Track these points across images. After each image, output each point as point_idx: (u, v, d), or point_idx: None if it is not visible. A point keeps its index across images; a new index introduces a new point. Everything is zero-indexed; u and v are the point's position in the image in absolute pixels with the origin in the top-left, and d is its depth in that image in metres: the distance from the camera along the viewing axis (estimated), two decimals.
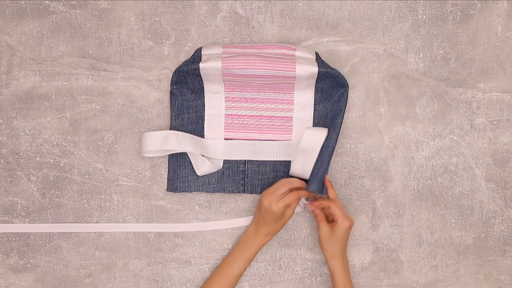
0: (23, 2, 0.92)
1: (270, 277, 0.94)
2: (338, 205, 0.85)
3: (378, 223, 0.93)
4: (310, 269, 0.94)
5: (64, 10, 0.92)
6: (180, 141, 0.88)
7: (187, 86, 0.89)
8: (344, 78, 0.87)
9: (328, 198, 0.88)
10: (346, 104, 0.89)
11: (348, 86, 0.88)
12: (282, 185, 0.84)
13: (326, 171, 0.88)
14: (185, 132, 0.90)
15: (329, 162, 0.88)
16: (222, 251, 0.93)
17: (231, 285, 0.88)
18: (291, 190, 0.85)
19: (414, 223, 0.93)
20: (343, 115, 0.89)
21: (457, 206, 0.94)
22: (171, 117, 0.91)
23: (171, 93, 0.90)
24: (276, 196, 0.83)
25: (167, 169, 0.92)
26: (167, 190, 0.92)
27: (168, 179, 0.92)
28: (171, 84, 0.90)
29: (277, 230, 0.87)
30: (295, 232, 0.93)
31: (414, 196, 0.93)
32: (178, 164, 0.91)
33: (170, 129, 0.91)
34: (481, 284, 0.94)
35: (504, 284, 0.94)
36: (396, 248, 0.94)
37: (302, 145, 0.87)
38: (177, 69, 0.88)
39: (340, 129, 0.89)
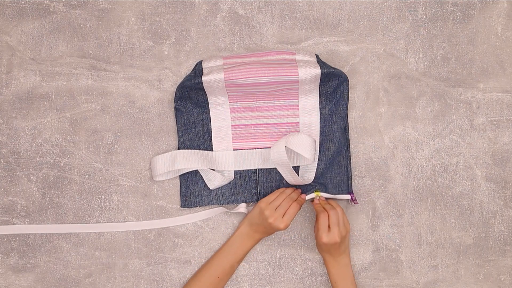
0: (23, 2, 0.92)
1: (270, 277, 0.94)
2: (336, 216, 0.84)
3: (378, 223, 0.93)
4: (310, 269, 0.94)
5: (64, 10, 0.92)
6: (188, 159, 0.89)
7: (191, 101, 0.89)
8: (345, 75, 0.87)
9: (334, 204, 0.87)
10: (348, 97, 0.89)
11: (348, 80, 0.88)
12: (281, 197, 0.86)
13: (347, 167, 0.91)
14: (193, 146, 0.91)
15: (346, 158, 0.91)
16: None
17: (222, 284, 0.88)
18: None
19: (414, 223, 0.93)
20: (347, 106, 0.89)
21: (457, 206, 0.94)
22: (178, 133, 0.91)
23: (176, 109, 0.90)
24: (281, 214, 0.84)
25: (179, 185, 0.92)
26: (181, 207, 0.92)
27: (181, 195, 0.92)
28: (175, 101, 0.89)
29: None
30: (295, 232, 0.94)
31: (414, 196, 0.93)
32: (190, 179, 0.91)
33: (178, 145, 0.91)
34: (481, 284, 0.94)
35: (504, 284, 0.94)
36: (396, 248, 0.94)
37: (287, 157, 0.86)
38: (179, 85, 0.88)
39: (347, 123, 0.90)
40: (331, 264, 0.87)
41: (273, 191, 0.91)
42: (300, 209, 0.88)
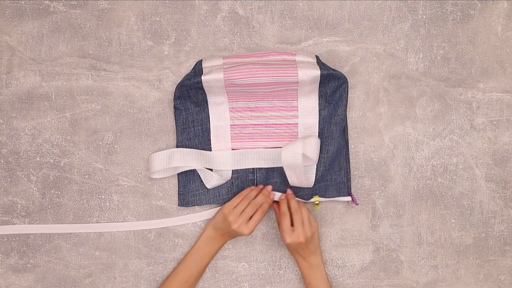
0: (23, 2, 0.92)
1: (270, 277, 0.94)
2: (300, 216, 0.84)
3: (378, 223, 0.93)
4: None
5: (64, 10, 0.92)
6: (185, 158, 0.89)
7: (190, 100, 0.89)
8: (345, 76, 0.87)
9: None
10: (347, 98, 0.89)
11: (347, 82, 0.88)
12: (245, 201, 0.86)
13: (347, 169, 0.91)
14: (192, 145, 0.90)
15: (346, 160, 0.91)
16: (221, 251, 0.93)
17: None
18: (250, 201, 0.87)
19: (414, 223, 0.93)
20: (346, 108, 0.89)
21: (457, 206, 0.94)
22: (176, 131, 0.91)
23: (175, 108, 0.90)
24: (245, 219, 0.84)
25: (177, 184, 0.92)
26: (178, 205, 0.92)
27: (179, 194, 0.92)
28: (174, 99, 0.89)
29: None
30: None
31: (414, 196, 0.93)
32: (188, 178, 0.91)
33: (177, 143, 0.91)
34: (481, 284, 0.94)
35: (504, 284, 0.94)
36: (396, 248, 0.94)
37: (286, 161, 0.85)
38: (179, 83, 0.88)
39: (346, 125, 0.90)
40: (302, 265, 0.87)
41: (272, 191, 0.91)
42: (265, 214, 0.87)
